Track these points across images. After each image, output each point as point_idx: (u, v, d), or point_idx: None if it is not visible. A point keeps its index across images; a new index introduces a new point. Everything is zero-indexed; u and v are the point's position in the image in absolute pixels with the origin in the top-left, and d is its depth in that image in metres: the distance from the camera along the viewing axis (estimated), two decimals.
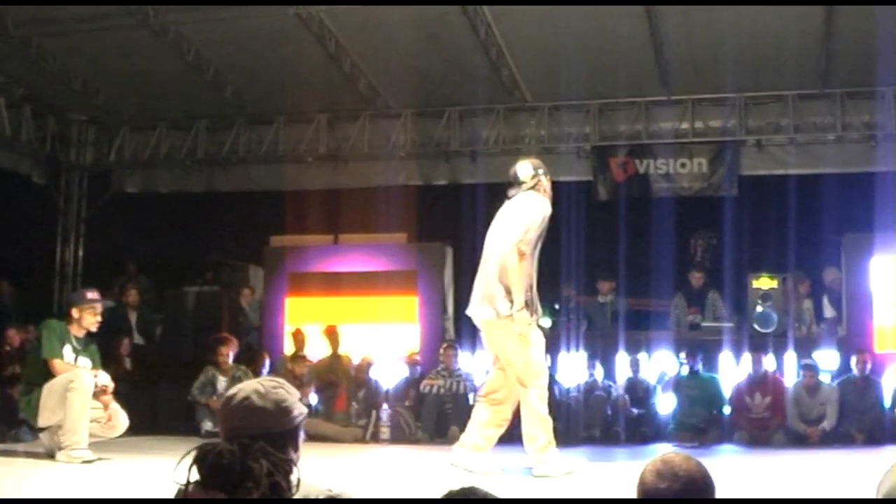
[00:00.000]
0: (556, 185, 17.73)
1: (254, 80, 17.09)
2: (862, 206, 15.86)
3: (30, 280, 19.03)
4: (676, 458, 3.59)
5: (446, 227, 17.98)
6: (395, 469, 10.56)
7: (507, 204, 9.57)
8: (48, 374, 10.06)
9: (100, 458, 9.84)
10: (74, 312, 10.41)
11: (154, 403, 14.56)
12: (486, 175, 17.85)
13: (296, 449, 3.71)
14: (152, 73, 16.71)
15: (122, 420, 10.38)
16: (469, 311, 9.46)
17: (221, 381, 14.38)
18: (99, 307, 10.56)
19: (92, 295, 10.68)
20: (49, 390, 9.93)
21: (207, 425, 14.06)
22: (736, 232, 17.14)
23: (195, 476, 3.43)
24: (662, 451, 10.52)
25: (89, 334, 10.63)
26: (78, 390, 9.81)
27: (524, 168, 9.59)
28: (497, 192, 18.03)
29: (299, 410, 3.77)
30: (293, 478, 3.41)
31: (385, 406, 14.18)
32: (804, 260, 16.70)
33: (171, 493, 3.60)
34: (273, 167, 18.66)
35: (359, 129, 18.10)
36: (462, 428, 14.29)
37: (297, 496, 3.38)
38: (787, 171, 17.33)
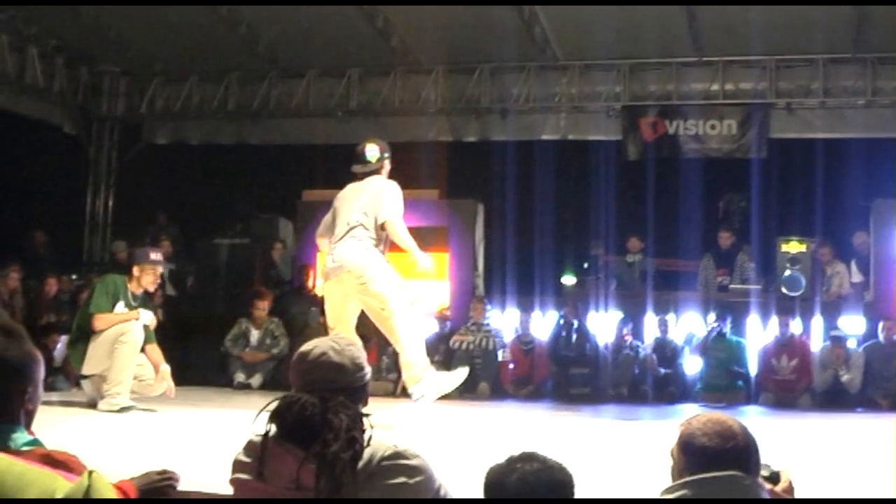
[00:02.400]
0: (585, 145, 18.11)
1: (286, 34, 17.15)
2: (891, 172, 15.87)
3: (61, 230, 19.13)
4: (725, 418, 3.71)
5: (477, 184, 18.13)
6: (430, 424, 10.66)
7: (356, 183, 9.83)
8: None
9: (134, 408, 9.95)
10: (135, 270, 10.46)
11: (186, 354, 14.65)
12: (517, 133, 18.00)
13: (365, 404, 3.84)
14: (185, 25, 16.78)
15: (165, 386, 10.42)
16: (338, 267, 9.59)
17: (254, 334, 14.57)
18: (160, 269, 10.68)
19: (155, 255, 10.74)
20: (99, 339, 10.05)
21: (240, 377, 14.28)
22: (764, 195, 17.17)
23: (268, 428, 3.57)
24: (689, 411, 10.64)
25: (146, 293, 10.72)
26: (128, 343, 9.95)
27: (372, 150, 9.88)
28: (527, 150, 18.29)
29: (368, 368, 3.91)
30: (366, 434, 3.54)
31: None
32: (832, 225, 16.75)
33: (225, 442, 3.72)
34: (304, 121, 18.73)
35: (390, 84, 18.15)
36: (491, 383, 14.54)
37: (366, 451, 3.50)
38: (816, 134, 17.37)
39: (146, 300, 10.74)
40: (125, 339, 9.96)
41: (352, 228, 9.43)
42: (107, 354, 9.97)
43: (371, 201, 9.51)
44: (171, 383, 10.39)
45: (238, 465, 3.69)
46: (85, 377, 10.33)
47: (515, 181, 18.57)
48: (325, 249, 9.90)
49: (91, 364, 10.13)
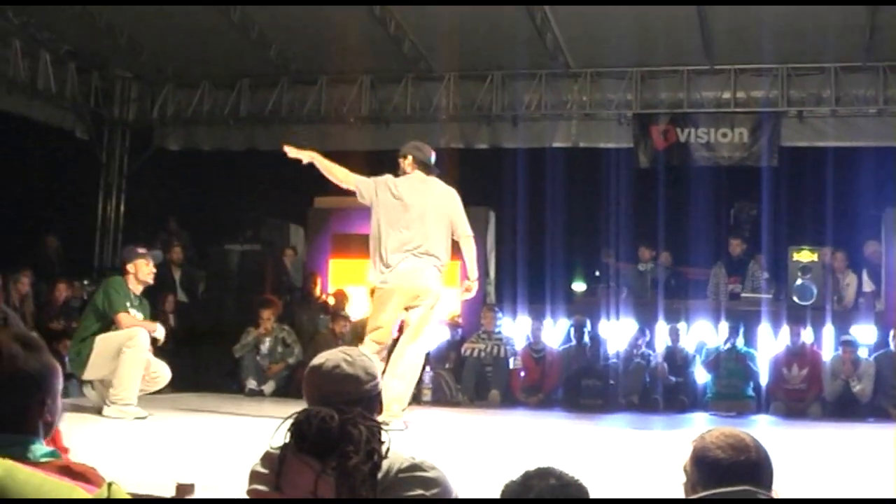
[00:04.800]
0: (597, 152, 18.08)
1: (298, 39, 17.15)
2: None
3: (72, 235, 19.14)
4: (738, 431, 3.71)
5: (488, 191, 18.11)
6: (442, 432, 10.65)
7: (420, 180, 10.22)
8: (101, 329, 10.14)
9: (150, 415, 9.94)
10: (129, 268, 10.40)
11: (197, 360, 14.66)
12: (528, 140, 18.03)
13: (379, 413, 3.88)
14: (197, 30, 16.74)
15: (164, 372, 10.42)
16: (414, 281, 9.74)
17: (266, 342, 14.53)
18: (150, 259, 10.54)
19: (141, 249, 10.68)
20: (104, 344, 9.98)
21: (252, 384, 14.27)
22: (775, 203, 17.16)
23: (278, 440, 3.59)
24: (699, 420, 10.62)
25: (145, 292, 10.67)
26: (135, 348, 9.89)
27: (430, 152, 10.39)
28: (538, 158, 18.29)
29: (381, 377, 3.93)
30: (384, 446, 3.54)
31: (427, 368, 14.25)
32: (843, 233, 16.73)
33: (240, 451, 3.72)
34: (315, 127, 18.61)
35: (401, 91, 18.16)
36: (502, 391, 14.52)
37: (384, 462, 3.50)
38: (827, 143, 17.37)
39: (143, 297, 10.65)
40: (132, 344, 9.89)
41: (433, 256, 9.81)
42: (111, 359, 9.91)
43: (443, 221, 10.01)
44: (164, 364, 10.39)
45: (255, 477, 3.69)
46: (86, 382, 10.34)
47: (526, 188, 18.55)
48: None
49: (93, 370, 10.10)
